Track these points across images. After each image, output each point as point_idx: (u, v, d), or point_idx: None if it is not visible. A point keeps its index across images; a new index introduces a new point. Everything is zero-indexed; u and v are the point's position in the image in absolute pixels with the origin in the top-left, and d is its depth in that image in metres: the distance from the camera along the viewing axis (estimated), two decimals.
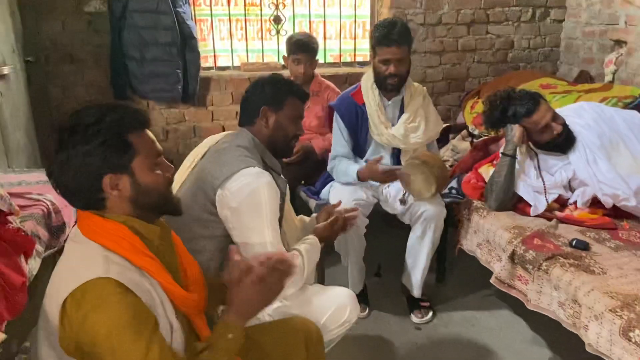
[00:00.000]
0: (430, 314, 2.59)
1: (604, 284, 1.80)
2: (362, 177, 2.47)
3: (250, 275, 1.22)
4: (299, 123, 1.83)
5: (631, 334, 1.58)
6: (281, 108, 1.77)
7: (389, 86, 2.50)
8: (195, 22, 3.30)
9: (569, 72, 3.81)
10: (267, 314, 1.68)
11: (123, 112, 1.14)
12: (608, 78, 3.43)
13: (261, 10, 3.54)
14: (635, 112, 2.58)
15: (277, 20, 3.56)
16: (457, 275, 2.91)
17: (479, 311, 2.63)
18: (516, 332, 2.46)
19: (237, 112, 3.36)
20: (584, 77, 3.61)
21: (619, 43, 3.38)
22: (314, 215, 2.08)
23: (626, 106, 2.84)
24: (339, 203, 2.01)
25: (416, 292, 2.60)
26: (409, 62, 2.51)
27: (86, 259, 1.09)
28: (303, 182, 2.93)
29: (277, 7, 3.54)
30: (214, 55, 3.54)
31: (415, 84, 2.66)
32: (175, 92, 3.07)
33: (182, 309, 1.21)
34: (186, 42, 3.05)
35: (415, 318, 2.57)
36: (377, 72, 2.50)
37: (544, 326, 2.36)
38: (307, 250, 1.73)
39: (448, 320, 2.58)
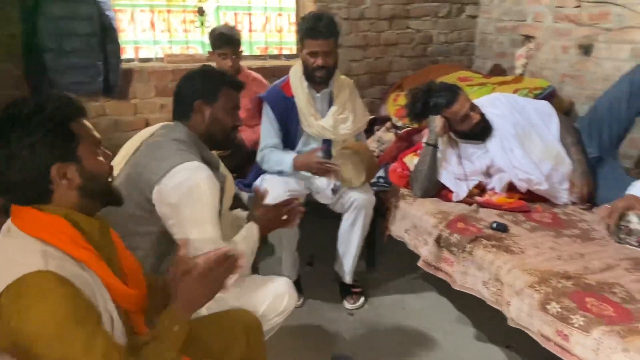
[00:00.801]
0: (362, 299, 2.67)
1: (523, 262, 1.95)
2: (297, 166, 2.49)
3: (196, 269, 1.22)
4: (236, 114, 1.82)
5: (548, 307, 1.72)
6: (216, 100, 1.75)
7: (317, 78, 2.54)
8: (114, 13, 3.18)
9: (483, 66, 4.02)
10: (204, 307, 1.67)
11: (61, 101, 1.12)
12: (519, 71, 3.66)
13: (184, 1, 3.46)
14: (545, 102, 2.78)
15: (201, 11, 3.50)
16: (386, 260, 3.02)
17: (408, 294, 2.74)
18: (443, 312, 2.59)
19: (161, 105, 3.35)
20: (497, 70, 3.83)
21: (528, 38, 3.62)
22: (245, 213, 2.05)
23: (536, 97, 3.06)
24: (267, 192, 1.99)
25: (348, 279, 2.67)
26: (336, 55, 2.56)
27: (23, 253, 1.04)
28: (234, 175, 2.91)
29: None
30: (135, 47, 3.43)
31: (343, 76, 2.72)
32: (95, 84, 2.94)
33: (121, 304, 1.18)
34: (107, 33, 2.93)
35: (347, 304, 2.65)
36: (306, 65, 2.53)
37: (469, 305, 2.49)
38: (244, 238, 1.73)
39: (379, 305, 2.67)
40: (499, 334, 2.32)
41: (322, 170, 2.47)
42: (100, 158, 1.19)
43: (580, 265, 1.93)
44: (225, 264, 1.26)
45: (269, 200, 2.43)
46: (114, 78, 3.06)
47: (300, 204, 1.95)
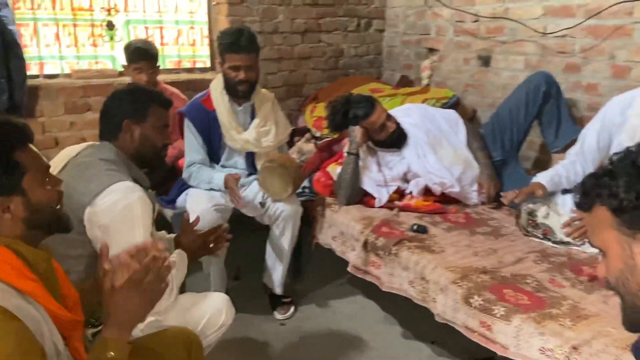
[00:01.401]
0: (292, 309, 2.71)
1: (445, 260, 2.08)
2: (227, 185, 2.50)
3: (125, 279, 1.13)
4: (166, 131, 1.80)
5: (471, 300, 1.85)
6: (144, 119, 1.73)
7: (240, 92, 2.56)
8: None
9: (391, 77, 4.22)
10: (139, 329, 1.63)
11: (2, 129, 1.05)
12: (425, 82, 3.89)
13: (91, 15, 3.34)
14: (452, 110, 2.99)
15: (110, 25, 3.39)
16: (314, 268, 3.08)
17: (336, 300, 2.82)
18: (371, 315, 2.69)
19: (71, 123, 3.21)
20: (404, 82, 4.04)
21: (432, 50, 3.86)
22: (173, 235, 2.02)
23: (443, 106, 3.27)
24: (198, 220, 1.97)
25: (278, 290, 2.70)
26: (258, 69, 2.60)
27: None
28: (155, 192, 2.85)
29: (109, 12, 3.38)
30: (40, 63, 3.25)
31: (263, 90, 2.76)
32: (0, 103, 2.76)
33: (65, 332, 1.14)
34: (9, 49, 2.76)
35: (278, 315, 2.67)
36: (228, 79, 2.54)
37: (395, 305, 2.61)
38: (175, 265, 1.71)
39: (310, 313, 2.72)
40: (424, 330, 2.46)
41: (234, 192, 2.48)
42: (48, 187, 1.14)
43: (495, 259, 2.10)
44: (155, 266, 1.17)
45: (195, 216, 2.42)
46: (19, 96, 2.89)
47: (226, 229, 1.95)
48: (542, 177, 2.38)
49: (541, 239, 2.29)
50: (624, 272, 0.90)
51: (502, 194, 2.49)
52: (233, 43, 2.45)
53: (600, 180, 0.92)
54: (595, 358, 1.49)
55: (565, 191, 2.42)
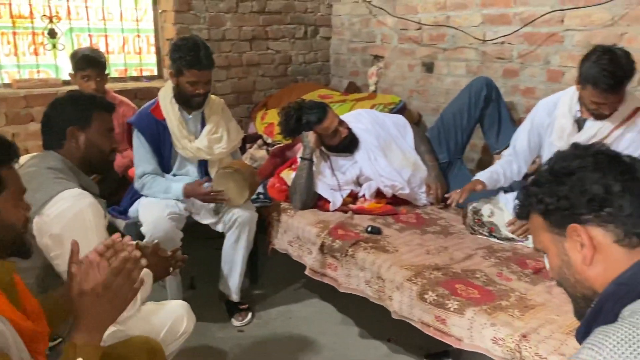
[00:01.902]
0: (250, 315, 2.71)
1: (399, 259, 2.16)
2: (187, 195, 2.50)
3: (94, 282, 1.11)
4: (112, 136, 1.78)
5: (426, 296, 1.93)
6: (89, 125, 1.71)
7: (194, 104, 2.57)
8: None
9: (339, 84, 4.31)
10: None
11: None
12: (372, 88, 4.00)
13: (32, 23, 3.24)
14: (400, 115, 3.09)
15: (52, 33, 3.30)
16: (270, 274, 3.09)
17: (293, 304, 2.85)
18: (328, 317, 2.73)
19: (13, 134, 3.09)
20: (352, 88, 4.13)
21: (378, 57, 3.97)
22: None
23: (391, 111, 3.37)
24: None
25: (235, 297, 2.70)
26: (212, 80, 2.61)
27: None
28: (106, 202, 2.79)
29: (50, 19, 3.29)
30: None
31: (213, 96, 2.76)
32: None
33: (30, 345, 1.12)
34: None
35: (236, 322, 2.67)
36: (184, 92, 2.52)
37: (351, 306, 2.67)
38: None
39: (267, 318, 2.74)
40: (380, 329, 2.52)
41: (209, 199, 2.51)
42: (20, 209, 1.12)
43: (446, 256, 2.20)
44: (125, 268, 1.15)
45: (149, 226, 2.41)
46: None
47: (180, 249, 1.96)
48: (481, 175, 2.51)
49: (487, 236, 2.41)
50: (562, 267, 0.99)
51: (446, 195, 2.58)
52: (194, 60, 2.43)
53: (529, 190, 1.02)
54: (543, 344, 1.59)
55: (506, 190, 2.56)
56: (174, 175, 2.67)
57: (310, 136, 2.68)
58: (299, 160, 2.73)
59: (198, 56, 2.43)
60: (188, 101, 2.54)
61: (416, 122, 3.61)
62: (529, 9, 2.93)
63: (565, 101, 2.33)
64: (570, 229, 0.95)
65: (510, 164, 2.54)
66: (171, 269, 1.93)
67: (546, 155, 2.54)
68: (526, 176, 2.63)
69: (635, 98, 2.27)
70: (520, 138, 2.52)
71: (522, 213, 1.05)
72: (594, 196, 0.92)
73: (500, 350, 1.66)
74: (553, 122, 2.38)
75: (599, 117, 2.21)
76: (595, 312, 0.92)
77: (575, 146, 1.02)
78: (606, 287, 0.92)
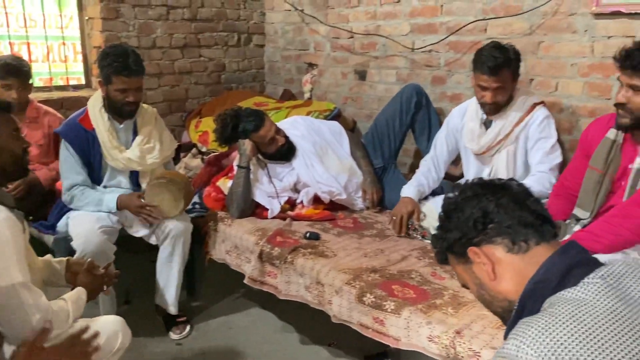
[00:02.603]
0: (188, 327, 2.66)
1: (338, 263, 2.19)
2: (122, 206, 2.43)
3: None
4: (19, 135, 1.65)
5: (364, 299, 1.97)
6: None
7: (125, 113, 2.50)
8: None
9: (274, 91, 4.31)
10: None
11: None
12: (307, 95, 4.03)
13: None
14: (335, 122, 3.14)
15: None
16: (208, 284, 3.05)
17: (233, 314, 2.82)
18: (269, 325, 2.73)
19: None
20: (287, 95, 4.15)
21: (312, 65, 4.01)
22: (63, 259, 1.92)
23: (326, 118, 3.41)
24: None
25: (172, 309, 2.64)
26: (143, 89, 2.55)
27: None
28: (31, 217, 2.66)
29: None
30: None
31: (145, 105, 2.70)
32: None
33: None
34: None
35: (174, 335, 2.61)
36: (113, 100, 2.45)
37: (292, 313, 2.68)
38: (74, 301, 1.65)
39: (206, 329, 2.69)
40: (321, 334, 2.54)
41: (144, 213, 2.45)
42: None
43: (382, 259, 2.25)
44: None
45: (80, 240, 2.32)
46: None
47: (114, 263, 1.92)
48: (409, 192, 2.61)
49: (420, 239, 2.49)
50: (479, 290, 1.10)
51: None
52: (122, 67, 2.37)
53: (434, 237, 1.17)
54: (476, 339, 1.66)
55: (433, 194, 2.69)
56: (105, 187, 2.59)
57: (246, 144, 2.68)
58: (235, 168, 2.72)
59: (127, 62, 2.38)
60: (119, 110, 2.48)
61: (351, 129, 3.68)
62: (454, 18, 3.06)
63: (472, 105, 2.51)
64: (470, 253, 1.06)
65: (430, 172, 2.71)
66: (105, 287, 1.88)
67: (463, 156, 2.69)
68: (446, 177, 2.78)
69: (532, 95, 2.49)
70: (439, 143, 2.72)
71: (441, 258, 1.17)
72: (476, 219, 1.05)
73: (436, 347, 1.72)
74: (464, 126, 2.56)
75: (489, 109, 2.41)
76: (519, 312, 0.99)
77: (454, 187, 1.17)
78: (525, 287, 0.99)
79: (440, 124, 3.08)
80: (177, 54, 3.86)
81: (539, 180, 2.35)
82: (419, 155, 3.32)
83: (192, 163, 3.32)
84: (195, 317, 2.78)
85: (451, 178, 2.92)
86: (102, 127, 2.51)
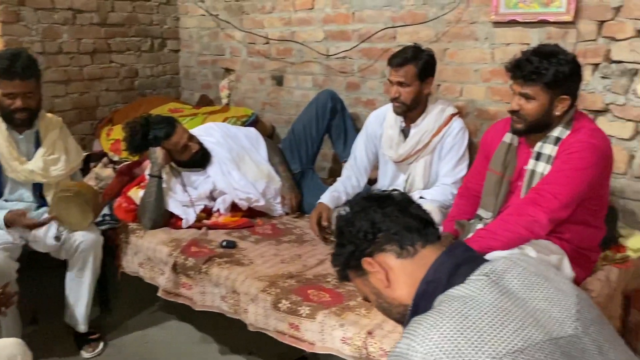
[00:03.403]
0: (102, 344, 2.55)
1: (254, 271, 2.18)
2: (9, 224, 2.29)
3: None
4: None
5: (280, 305, 1.97)
6: None
7: (17, 121, 2.37)
8: None
9: (190, 97, 4.24)
10: None
11: None
12: (224, 101, 3.99)
13: None
14: (252, 128, 3.13)
15: None
16: (122, 299, 2.93)
17: (149, 328, 2.73)
18: (186, 337, 2.66)
19: None
20: (204, 101, 4.09)
21: (229, 71, 3.98)
22: None
23: (244, 124, 3.40)
24: None
25: (83, 327, 2.52)
26: (39, 95, 2.42)
27: None
28: None
29: None
30: None
31: (49, 115, 2.58)
32: None
33: None
34: None
35: (86, 354, 2.50)
36: (2, 106, 2.32)
37: (210, 324, 2.62)
38: None
39: (121, 346, 2.59)
40: (240, 343, 2.52)
41: (37, 225, 2.33)
42: None
43: (300, 264, 2.26)
44: None
45: None
46: None
47: (9, 284, 1.82)
48: (323, 197, 2.63)
49: None
50: (377, 300, 1.15)
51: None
52: (6, 69, 2.24)
53: (332, 256, 1.21)
54: (387, 339, 1.70)
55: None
56: (6, 200, 2.44)
57: (158, 152, 2.61)
58: (147, 177, 2.64)
59: (12, 65, 2.25)
60: (11, 118, 2.35)
61: (270, 134, 3.68)
62: (365, 25, 3.14)
63: (391, 112, 2.56)
64: (364, 264, 1.11)
65: (350, 178, 2.71)
66: (2, 308, 1.77)
67: (381, 162, 2.75)
68: (370, 182, 2.82)
69: (450, 106, 2.58)
70: (359, 149, 2.74)
71: (342, 275, 1.20)
72: (366, 231, 1.11)
73: (349, 349, 1.75)
74: (382, 132, 2.61)
75: (397, 109, 2.49)
76: (413, 312, 1.03)
77: (344, 204, 1.22)
78: (417, 288, 1.03)
79: (355, 128, 3.15)
80: (86, 59, 3.71)
81: (442, 191, 2.48)
82: (337, 159, 3.37)
83: (104, 173, 3.19)
84: (110, 333, 2.66)
85: (369, 182, 2.98)
86: (0, 138, 2.36)
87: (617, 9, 2.31)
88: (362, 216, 1.12)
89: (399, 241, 1.09)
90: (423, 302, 1.01)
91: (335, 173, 3.37)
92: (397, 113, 2.53)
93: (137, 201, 2.65)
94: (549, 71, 1.79)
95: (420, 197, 2.51)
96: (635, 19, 2.28)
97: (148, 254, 2.49)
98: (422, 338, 0.87)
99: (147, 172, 2.66)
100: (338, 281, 1.29)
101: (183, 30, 4.20)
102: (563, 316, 0.93)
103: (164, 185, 2.62)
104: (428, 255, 1.06)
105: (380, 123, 2.65)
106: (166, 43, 4.18)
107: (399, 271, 1.08)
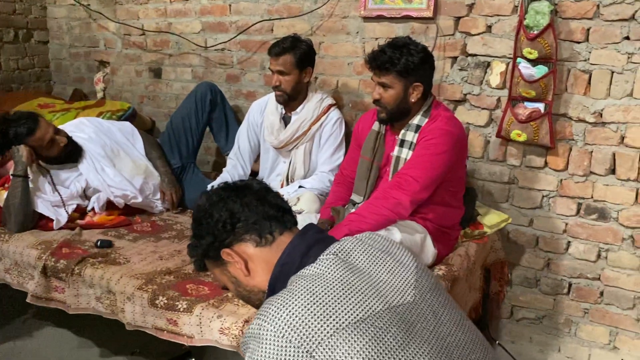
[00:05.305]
0: None
1: (130, 269, 2.12)
2: None
3: None
4: None
5: (157, 302, 1.94)
6: None
7: None
8: None
9: (63, 91, 3.99)
10: None
11: None
12: (100, 95, 3.81)
13: None
14: (127, 122, 3.02)
15: None
16: None
17: (21, 339, 2.56)
18: (64, 344, 2.53)
19: None
20: (78, 95, 3.87)
21: (103, 63, 3.80)
22: None
23: (119, 118, 3.26)
24: None
25: None
26: None
27: None
28: None
29: None
30: None
31: None
32: None
33: None
34: None
35: None
36: None
37: (89, 327, 2.53)
38: None
39: None
40: (122, 343, 2.45)
41: None
42: None
43: (179, 260, 2.23)
44: None
45: None
46: None
47: None
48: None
49: None
50: (236, 288, 1.18)
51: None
52: None
53: (189, 247, 1.21)
54: None
55: None
56: None
57: (22, 150, 2.44)
58: (11, 178, 2.46)
59: None
60: None
61: (150, 128, 3.57)
62: (242, 17, 3.14)
63: (272, 100, 2.64)
64: (223, 255, 1.13)
65: (235, 167, 2.78)
66: None
67: (262, 150, 2.81)
68: (251, 174, 2.85)
69: (329, 97, 2.70)
70: (242, 138, 2.79)
71: (200, 266, 1.22)
72: (224, 221, 1.12)
73: (227, 339, 1.76)
74: (263, 120, 2.66)
75: (279, 98, 2.58)
76: (269, 294, 1.07)
77: (202, 194, 1.21)
78: (272, 271, 1.08)
79: (237, 121, 3.15)
80: None
81: (320, 179, 2.60)
82: (220, 153, 3.35)
83: None
84: None
85: (251, 174, 3.00)
86: None
87: (470, 6, 2.52)
88: (221, 206, 1.13)
89: (258, 230, 1.12)
90: (279, 284, 1.06)
91: (219, 167, 3.36)
92: (279, 102, 2.60)
93: (1, 203, 2.47)
94: (401, 60, 1.95)
95: (300, 187, 2.59)
96: (486, 15, 2.49)
97: (15, 259, 2.33)
98: (272, 317, 0.91)
99: (10, 172, 2.48)
100: (197, 271, 1.29)
101: (51, 21, 3.94)
102: (402, 285, 1.02)
103: (30, 185, 2.46)
104: (284, 241, 1.11)
105: (262, 111, 2.72)
106: (32, 34, 3.91)
107: (257, 260, 1.12)
